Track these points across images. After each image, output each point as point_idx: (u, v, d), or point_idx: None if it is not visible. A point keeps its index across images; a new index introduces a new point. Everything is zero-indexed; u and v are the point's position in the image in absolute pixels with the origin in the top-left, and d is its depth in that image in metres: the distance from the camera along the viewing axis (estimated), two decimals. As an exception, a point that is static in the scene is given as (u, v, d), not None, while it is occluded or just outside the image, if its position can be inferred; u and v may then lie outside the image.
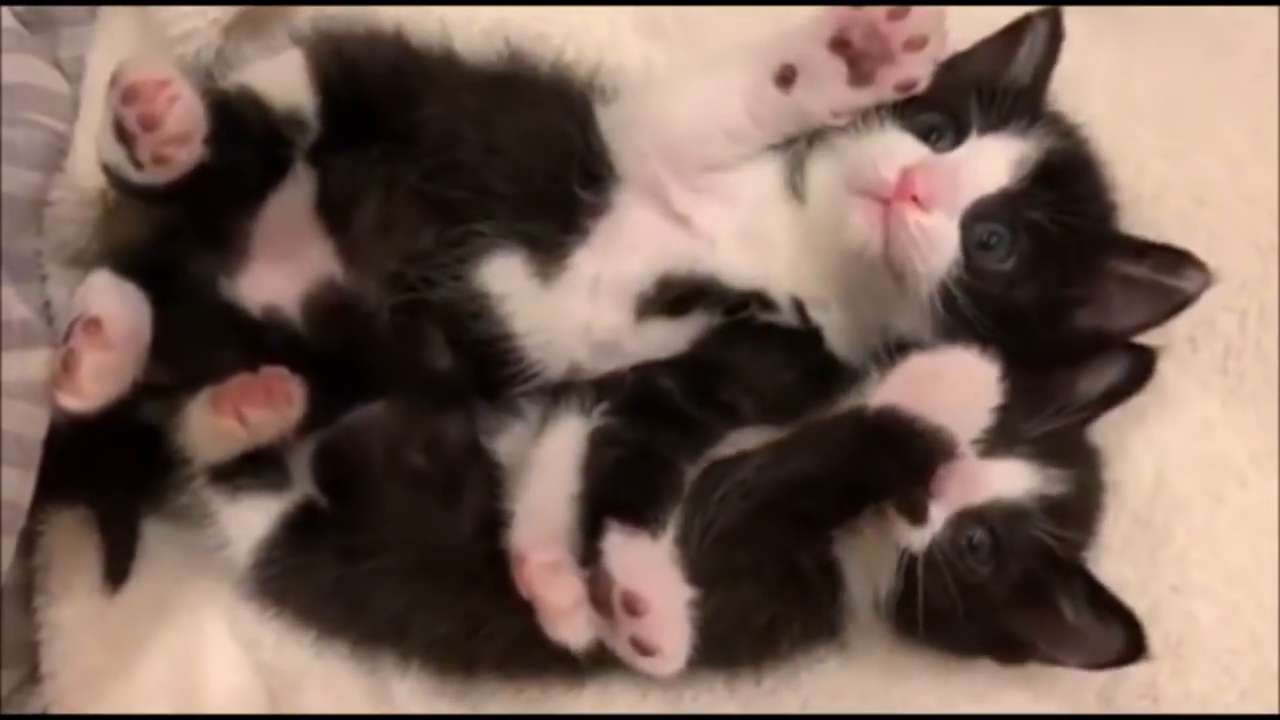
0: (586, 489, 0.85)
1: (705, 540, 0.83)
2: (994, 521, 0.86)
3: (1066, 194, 0.87)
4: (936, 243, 0.84)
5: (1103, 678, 1.00)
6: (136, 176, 0.87)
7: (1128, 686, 1.01)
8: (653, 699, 1.01)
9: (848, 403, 0.87)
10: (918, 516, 0.85)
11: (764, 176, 0.92)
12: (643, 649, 0.80)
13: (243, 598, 1.02)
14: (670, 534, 0.83)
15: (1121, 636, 0.87)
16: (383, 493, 0.95)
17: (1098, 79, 0.99)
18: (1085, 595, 0.88)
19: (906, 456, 0.83)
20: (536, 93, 0.97)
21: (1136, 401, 0.99)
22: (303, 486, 0.99)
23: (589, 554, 0.82)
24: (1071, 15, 0.96)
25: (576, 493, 0.85)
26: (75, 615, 1.02)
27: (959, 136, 0.88)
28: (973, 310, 0.85)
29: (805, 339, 0.91)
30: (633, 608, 0.79)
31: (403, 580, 0.94)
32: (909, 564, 0.86)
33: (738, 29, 1.04)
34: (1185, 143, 1.05)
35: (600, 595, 0.81)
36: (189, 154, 0.85)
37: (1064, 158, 0.88)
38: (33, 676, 1.03)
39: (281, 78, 0.95)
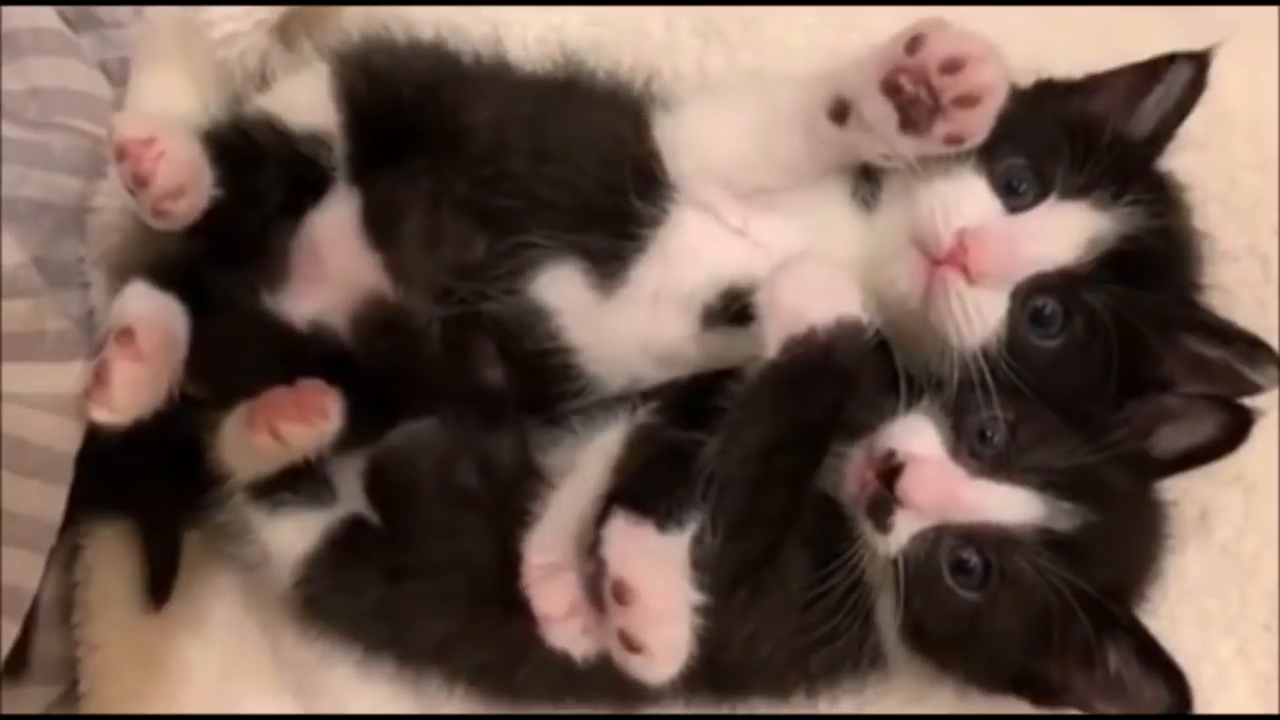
0: (615, 486, 0.82)
1: (717, 543, 0.79)
2: (983, 545, 0.81)
3: (1135, 284, 0.82)
4: (975, 318, 0.81)
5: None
6: (154, 223, 0.88)
7: (1214, 726, 1.00)
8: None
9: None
10: (880, 523, 0.81)
11: (825, 190, 0.89)
12: (629, 644, 0.75)
13: (285, 618, 1.01)
14: (685, 533, 0.78)
15: (1167, 694, 0.81)
16: (431, 512, 0.93)
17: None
18: (1132, 648, 0.82)
19: (831, 362, 0.79)
20: (590, 99, 0.95)
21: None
22: (348, 502, 0.97)
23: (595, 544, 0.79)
24: (1159, 24, 0.92)
25: (607, 492, 0.82)
26: (114, 632, 1.01)
27: (1040, 193, 0.83)
28: (1007, 379, 0.81)
29: (875, 350, 0.86)
30: (621, 596, 0.75)
31: (446, 605, 0.92)
32: (896, 578, 0.82)
33: (800, 31, 1.02)
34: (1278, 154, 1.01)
35: (595, 585, 0.77)
36: (189, 205, 0.87)
37: (1146, 241, 0.83)
38: (71, 694, 1.02)
39: (303, 99, 0.95)
